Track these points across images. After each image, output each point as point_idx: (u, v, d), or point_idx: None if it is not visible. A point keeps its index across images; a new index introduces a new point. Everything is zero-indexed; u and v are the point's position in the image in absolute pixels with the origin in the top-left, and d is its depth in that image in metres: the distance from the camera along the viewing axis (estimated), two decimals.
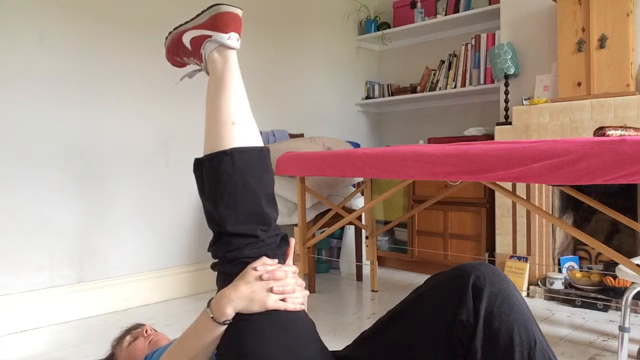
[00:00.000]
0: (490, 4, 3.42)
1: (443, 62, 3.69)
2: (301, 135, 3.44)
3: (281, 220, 2.86)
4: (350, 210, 3.04)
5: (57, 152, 2.41)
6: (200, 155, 1.04)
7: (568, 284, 2.67)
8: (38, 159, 2.35)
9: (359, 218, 3.13)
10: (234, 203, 0.98)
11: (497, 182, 1.77)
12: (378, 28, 4.01)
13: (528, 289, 2.73)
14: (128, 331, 1.50)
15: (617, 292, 2.43)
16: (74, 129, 2.47)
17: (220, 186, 0.99)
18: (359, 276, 3.23)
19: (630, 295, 1.70)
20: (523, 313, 0.90)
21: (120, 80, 2.63)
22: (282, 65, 3.49)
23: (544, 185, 2.73)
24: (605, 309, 2.45)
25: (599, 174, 1.32)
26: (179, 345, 1.02)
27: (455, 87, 3.57)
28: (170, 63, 1.30)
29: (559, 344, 2.04)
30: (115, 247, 2.61)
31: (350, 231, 3.37)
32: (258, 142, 1.05)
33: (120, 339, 1.49)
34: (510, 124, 2.87)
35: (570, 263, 2.78)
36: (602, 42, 2.55)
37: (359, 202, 3.27)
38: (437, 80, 3.70)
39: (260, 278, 0.96)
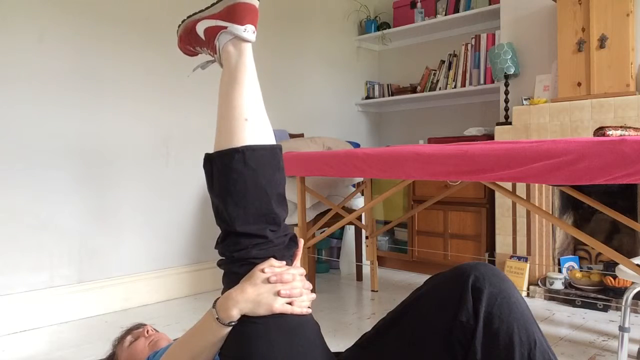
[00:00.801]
0: (490, 4, 3.42)
1: (443, 62, 3.69)
2: (301, 135, 3.44)
3: None
4: (350, 210, 3.04)
5: (57, 152, 2.41)
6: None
7: (568, 284, 2.67)
8: (38, 159, 2.35)
9: (359, 218, 3.13)
10: (243, 202, 0.97)
11: (497, 182, 1.77)
12: (378, 28, 4.01)
13: (528, 289, 2.73)
14: (129, 331, 1.50)
15: (617, 292, 2.43)
16: (74, 129, 2.47)
17: (230, 185, 0.97)
18: (359, 276, 3.23)
19: (630, 295, 1.70)
20: (523, 313, 0.90)
21: (120, 80, 2.63)
22: (282, 65, 3.49)
23: (544, 185, 2.73)
24: (605, 309, 2.45)
25: (599, 174, 1.32)
26: (183, 343, 1.01)
27: (455, 87, 3.57)
28: (182, 52, 1.26)
29: (559, 344, 2.04)
30: (115, 247, 2.61)
31: (350, 231, 3.37)
32: (271, 140, 1.03)
33: (121, 339, 1.48)
34: (510, 124, 2.87)
35: (570, 263, 2.78)
36: (602, 42, 2.55)
37: (359, 202, 3.27)
38: (437, 80, 3.70)
39: (268, 281, 0.94)
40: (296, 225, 2.58)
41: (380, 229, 2.93)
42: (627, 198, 2.66)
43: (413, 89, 3.85)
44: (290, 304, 0.95)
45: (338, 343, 1.99)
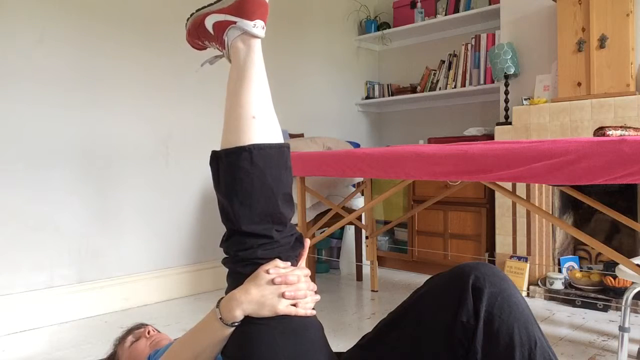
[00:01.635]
0: (490, 4, 3.42)
1: (443, 62, 3.69)
2: (301, 135, 3.44)
3: None
4: (350, 210, 3.04)
5: (57, 152, 2.41)
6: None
7: (568, 284, 2.67)
8: (38, 159, 2.35)
9: (359, 218, 3.13)
10: (249, 202, 0.96)
11: (497, 182, 1.77)
12: (378, 28, 4.01)
13: (528, 289, 2.73)
14: (130, 331, 1.50)
15: (617, 292, 2.43)
16: (74, 129, 2.47)
17: (236, 183, 0.96)
18: (359, 276, 3.23)
19: (630, 295, 1.70)
20: (523, 313, 0.90)
21: (120, 80, 2.63)
22: (282, 65, 3.49)
23: (544, 185, 2.73)
24: (605, 309, 2.45)
25: (599, 174, 1.32)
26: (184, 342, 1.01)
27: (455, 87, 3.57)
28: (190, 45, 1.24)
29: (559, 344, 2.04)
30: (115, 247, 2.61)
31: (350, 231, 3.37)
32: (278, 138, 1.01)
33: (122, 339, 1.48)
34: (510, 124, 2.87)
35: (570, 263, 2.78)
36: (602, 42, 2.55)
37: (359, 202, 3.27)
38: (437, 80, 3.70)
39: (272, 282, 0.93)
40: (296, 225, 2.58)
41: (380, 229, 2.93)
42: (627, 198, 2.67)
43: (413, 89, 3.85)
44: (294, 305, 0.94)
45: (338, 343, 1.99)
